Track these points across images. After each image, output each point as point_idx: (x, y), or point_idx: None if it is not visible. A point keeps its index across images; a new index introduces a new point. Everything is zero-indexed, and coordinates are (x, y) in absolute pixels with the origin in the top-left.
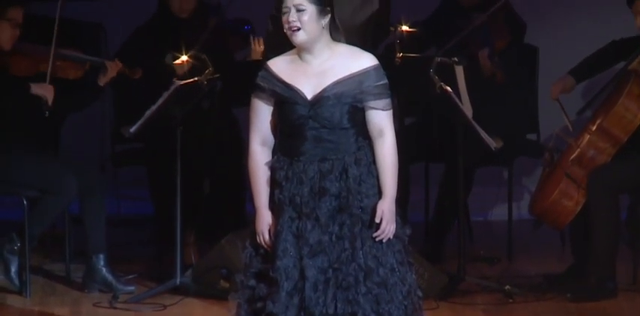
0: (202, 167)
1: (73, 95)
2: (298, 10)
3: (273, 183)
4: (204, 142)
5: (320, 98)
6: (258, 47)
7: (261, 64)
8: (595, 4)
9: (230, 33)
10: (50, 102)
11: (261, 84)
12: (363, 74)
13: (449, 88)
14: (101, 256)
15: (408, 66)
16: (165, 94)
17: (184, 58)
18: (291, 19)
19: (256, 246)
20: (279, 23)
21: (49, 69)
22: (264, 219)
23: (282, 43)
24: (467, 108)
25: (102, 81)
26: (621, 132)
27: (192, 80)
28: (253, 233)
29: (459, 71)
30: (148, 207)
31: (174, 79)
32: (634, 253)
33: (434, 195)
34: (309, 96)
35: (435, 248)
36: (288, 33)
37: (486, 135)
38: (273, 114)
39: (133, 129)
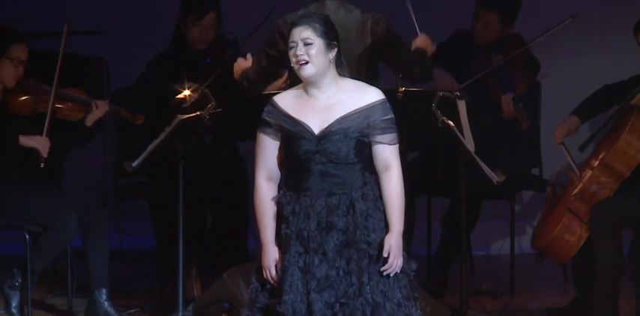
0: (204, 201)
1: (61, 139)
2: (306, 44)
3: (280, 217)
4: (207, 176)
5: (327, 133)
6: (278, 81)
7: (264, 99)
8: (597, 39)
9: None
10: (45, 153)
11: (268, 119)
12: (370, 109)
13: (451, 122)
14: (103, 290)
15: (410, 100)
16: (168, 129)
17: (187, 92)
18: (298, 52)
19: (262, 281)
20: (270, 59)
21: (49, 111)
22: (271, 254)
23: (264, 79)
24: (469, 142)
25: (89, 121)
26: (624, 167)
27: (194, 114)
28: (259, 268)
29: (461, 105)
30: (150, 240)
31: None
32: (636, 287)
33: (436, 229)
34: (316, 130)
35: (438, 282)
36: (296, 67)
37: (488, 169)
38: (280, 149)
39: (135, 164)
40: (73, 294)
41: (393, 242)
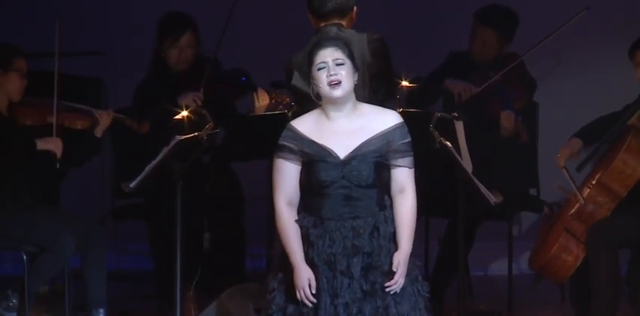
0: (202, 221)
1: (72, 149)
2: (337, 65)
3: (304, 242)
4: (205, 197)
5: (351, 157)
6: (261, 102)
7: (261, 119)
8: (594, 59)
9: (228, 84)
10: (59, 154)
11: (288, 144)
12: (390, 132)
13: (449, 143)
14: (101, 310)
15: (408, 121)
16: (166, 149)
17: (185, 113)
18: (332, 72)
19: (283, 308)
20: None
21: (55, 119)
22: (304, 274)
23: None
24: (467, 163)
25: (98, 132)
26: (620, 186)
27: (192, 135)
28: (274, 292)
29: (459, 126)
30: (147, 261)
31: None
32: (634, 308)
33: (434, 249)
34: (341, 155)
35: (435, 302)
36: (327, 89)
37: (486, 190)
38: (302, 174)
39: (133, 184)
40: (71, 314)
41: (402, 260)
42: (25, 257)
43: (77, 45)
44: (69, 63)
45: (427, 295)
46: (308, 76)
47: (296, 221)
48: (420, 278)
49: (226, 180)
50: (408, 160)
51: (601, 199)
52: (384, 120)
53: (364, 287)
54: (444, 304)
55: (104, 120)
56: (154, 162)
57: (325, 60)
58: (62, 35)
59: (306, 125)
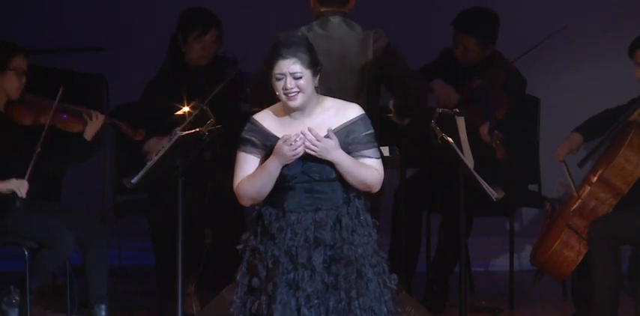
0: (203, 217)
1: (62, 153)
2: (295, 78)
3: (266, 234)
4: (206, 193)
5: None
6: None
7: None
8: (595, 55)
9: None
10: (24, 195)
11: (251, 138)
12: (351, 125)
13: (450, 139)
14: (103, 306)
15: (410, 117)
16: (167, 145)
17: (186, 108)
18: (289, 86)
19: (244, 301)
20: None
21: (48, 122)
22: (277, 151)
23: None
24: (468, 159)
25: (88, 135)
26: (622, 183)
27: (193, 131)
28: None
29: (460, 122)
30: (149, 257)
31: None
32: (636, 304)
33: (436, 245)
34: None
35: (437, 298)
36: (283, 98)
37: (487, 186)
38: None
39: (134, 180)
40: (73, 311)
41: (334, 143)
42: (26, 253)
43: (78, 41)
44: (70, 59)
45: (395, 287)
46: None
47: (258, 210)
48: (386, 270)
49: (228, 176)
50: (371, 151)
51: (603, 195)
52: (345, 113)
53: (326, 280)
54: (446, 300)
55: (94, 123)
56: (155, 158)
57: (282, 71)
58: (63, 31)
59: (268, 120)
